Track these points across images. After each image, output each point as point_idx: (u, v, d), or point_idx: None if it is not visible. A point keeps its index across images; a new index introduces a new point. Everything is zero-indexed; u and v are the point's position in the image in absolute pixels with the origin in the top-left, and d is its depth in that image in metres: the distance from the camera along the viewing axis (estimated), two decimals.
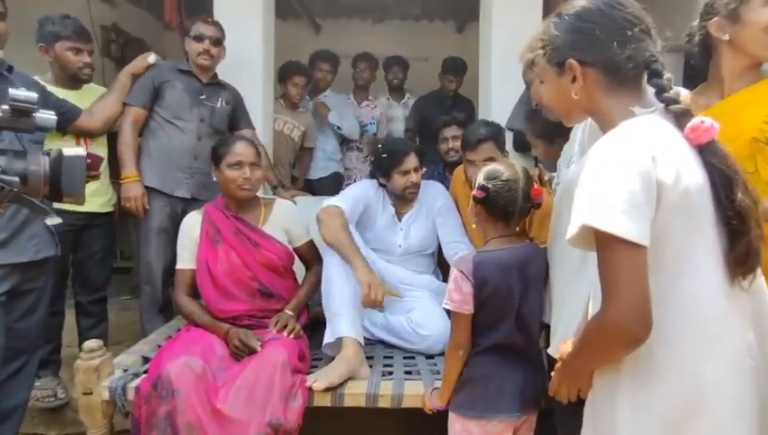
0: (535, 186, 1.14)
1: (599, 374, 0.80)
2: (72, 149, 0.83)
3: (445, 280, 1.95)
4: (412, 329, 1.67)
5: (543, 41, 0.88)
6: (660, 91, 0.78)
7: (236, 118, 2.28)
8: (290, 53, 2.96)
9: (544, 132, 1.26)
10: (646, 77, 0.81)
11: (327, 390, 1.31)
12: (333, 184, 2.96)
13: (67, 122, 1.84)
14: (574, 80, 0.83)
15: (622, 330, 0.68)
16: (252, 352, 1.39)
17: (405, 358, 1.62)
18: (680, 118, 0.76)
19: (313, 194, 2.69)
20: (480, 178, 1.16)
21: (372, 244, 1.79)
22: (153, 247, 2.11)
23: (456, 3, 3.75)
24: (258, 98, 2.42)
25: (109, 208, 2.11)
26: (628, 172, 0.69)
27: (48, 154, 0.83)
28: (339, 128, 2.99)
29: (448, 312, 1.74)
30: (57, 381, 1.96)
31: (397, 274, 1.81)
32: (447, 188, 2.04)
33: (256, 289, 1.57)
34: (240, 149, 1.58)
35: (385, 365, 1.55)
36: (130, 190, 2.01)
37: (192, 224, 1.63)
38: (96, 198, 2.01)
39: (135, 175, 2.04)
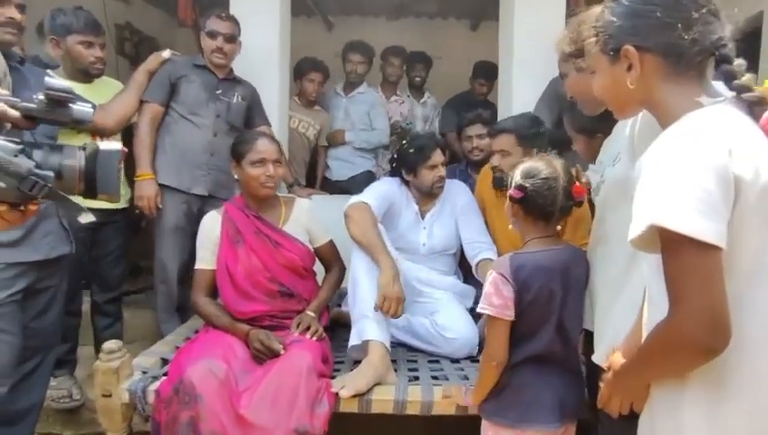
0: (577, 183, 1.08)
1: (658, 387, 0.74)
2: (109, 144, 0.79)
3: (465, 281, 1.91)
4: (437, 332, 1.62)
5: (597, 28, 0.82)
6: (731, 78, 0.72)
7: (252, 115, 2.25)
8: (302, 51, 2.91)
9: (585, 126, 1.19)
10: (713, 63, 0.75)
11: (354, 396, 1.27)
12: (365, 183, 2.83)
13: None
14: (630, 68, 0.77)
15: (696, 340, 0.63)
16: (274, 355, 1.35)
17: (430, 362, 1.58)
18: (754, 107, 0.70)
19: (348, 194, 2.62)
20: (517, 177, 1.11)
21: (396, 243, 1.74)
22: (168, 246, 2.09)
23: (470, 1, 3.70)
24: (274, 95, 2.39)
25: (123, 205, 2.08)
26: (701, 168, 0.63)
27: (84, 149, 0.78)
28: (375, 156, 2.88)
29: (474, 315, 1.72)
30: (73, 381, 1.94)
31: (420, 274, 1.77)
32: (471, 186, 2.00)
33: (276, 290, 1.54)
34: (263, 147, 1.55)
35: (410, 369, 1.50)
36: (144, 189, 1.99)
37: (212, 224, 1.60)
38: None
39: (149, 174, 2.02)
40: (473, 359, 1.58)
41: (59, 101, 0.76)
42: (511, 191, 1.12)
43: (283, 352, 1.34)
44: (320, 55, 3.27)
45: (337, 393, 1.27)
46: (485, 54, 3.16)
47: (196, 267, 1.61)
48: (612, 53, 0.79)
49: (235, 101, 2.16)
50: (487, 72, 2.99)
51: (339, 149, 2.89)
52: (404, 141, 1.89)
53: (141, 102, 2.05)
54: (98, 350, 2.11)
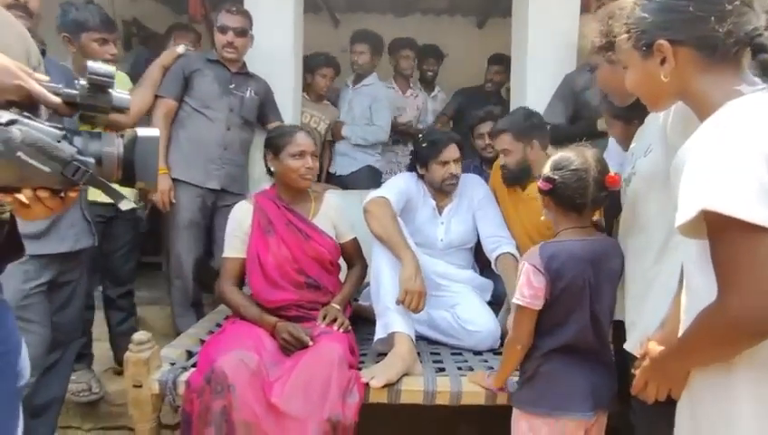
0: (611, 172, 1.09)
1: (700, 372, 0.74)
2: (148, 130, 0.76)
3: (481, 274, 1.92)
4: (459, 325, 1.63)
5: (628, 24, 0.84)
6: None
7: (266, 111, 2.27)
8: (308, 48, 2.89)
9: (622, 113, 1.18)
10: (749, 54, 0.77)
11: (384, 386, 1.28)
12: (367, 179, 2.71)
13: None
14: (663, 62, 0.79)
15: (751, 323, 0.64)
16: (302, 346, 1.36)
17: (453, 354, 1.59)
18: None
19: (349, 189, 2.60)
20: (546, 169, 1.12)
21: (413, 238, 1.74)
22: (183, 241, 2.10)
23: None
24: (288, 91, 2.39)
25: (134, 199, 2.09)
26: (752, 153, 0.64)
27: (122, 136, 0.77)
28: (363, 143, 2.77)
29: (493, 307, 1.73)
30: (91, 374, 1.94)
31: (438, 268, 1.78)
32: (486, 181, 2.01)
33: (303, 282, 1.55)
34: (301, 139, 1.58)
35: (434, 361, 1.51)
36: (158, 183, 1.99)
37: (243, 213, 1.61)
38: (123, 187, 1.98)
39: (163, 168, 2.03)
40: (495, 351, 1.59)
41: (101, 87, 0.73)
42: (540, 183, 1.13)
43: (311, 343, 1.36)
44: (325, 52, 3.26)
45: (367, 384, 1.28)
46: (492, 52, 3.17)
47: (224, 256, 1.62)
48: (645, 48, 0.80)
49: (248, 95, 2.17)
50: (501, 59, 2.94)
51: (341, 144, 2.84)
52: (420, 135, 1.89)
53: (156, 98, 2.05)
54: (113, 344, 2.15)
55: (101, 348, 2.15)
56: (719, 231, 0.66)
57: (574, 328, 1.08)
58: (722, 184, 0.65)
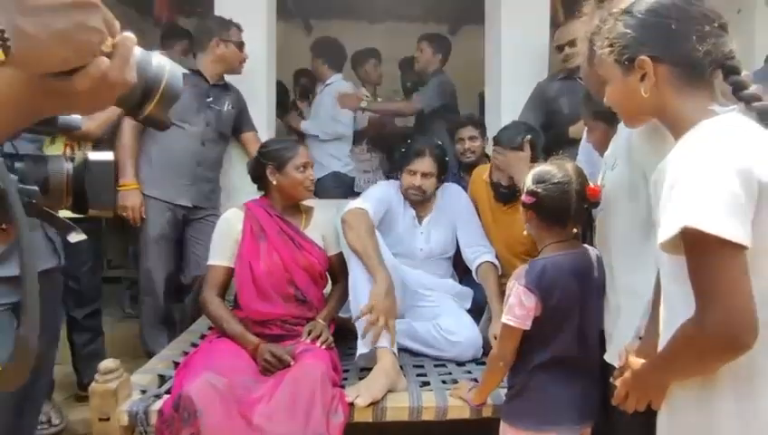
0: (591, 184, 1.09)
1: (680, 385, 0.76)
2: (100, 154, 0.70)
3: (460, 283, 1.91)
4: (441, 336, 1.62)
5: (609, 39, 0.85)
6: (740, 89, 0.76)
7: (241, 121, 2.22)
8: (280, 55, 2.85)
9: (605, 112, 1.10)
10: (721, 75, 0.80)
11: (369, 405, 1.25)
12: (333, 187, 2.68)
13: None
14: (643, 78, 0.80)
15: (726, 337, 0.65)
16: (284, 365, 1.32)
17: (436, 366, 1.57)
18: (764, 115, 0.74)
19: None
20: (528, 183, 1.12)
21: (393, 248, 1.73)
22: (154, 256, 2.02)
23: (450, 6, 3.75)
24: (263, 99, 2.35)
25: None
26: (727, 172, 0.66)
27: (72, 159, 0.70)
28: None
29: (472, 315, 1.73)
30: (50, 404, 1.81)
31: (418, 278, 1.77)
32: (464, 189, 2.00)
33: (292, 294, 1.53)
34: (304, 152, 1.61)
35: (418, 375, 1.49)
36: (128, 199, 1.92)
37: (233, 220, 1.58)
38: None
39: (134, 183, 1.95)
40: (477, 361, 1.59)
41: None
42: (523, 197, 1.12)
43: (293, 362, 1.32)
44: (298, 59, 3.22)
45: (351, 403, 1.24)
46: (465, 58, 3.20)
47: (209, 263, 1.57)
48: (627, 63, 0.81)
49: (225, 109, 2.13)
50: (425, 37, 2.88)
51: (310, 149, 2.72)
52: (408, 140, 1.90)
53: None
54: (77, 368, 2.01)
55: (63, 372, 2.02)
56: (696, 248, 0.67)
57: (561, 342, 1.07)
58: (700, 202, 0.66)
